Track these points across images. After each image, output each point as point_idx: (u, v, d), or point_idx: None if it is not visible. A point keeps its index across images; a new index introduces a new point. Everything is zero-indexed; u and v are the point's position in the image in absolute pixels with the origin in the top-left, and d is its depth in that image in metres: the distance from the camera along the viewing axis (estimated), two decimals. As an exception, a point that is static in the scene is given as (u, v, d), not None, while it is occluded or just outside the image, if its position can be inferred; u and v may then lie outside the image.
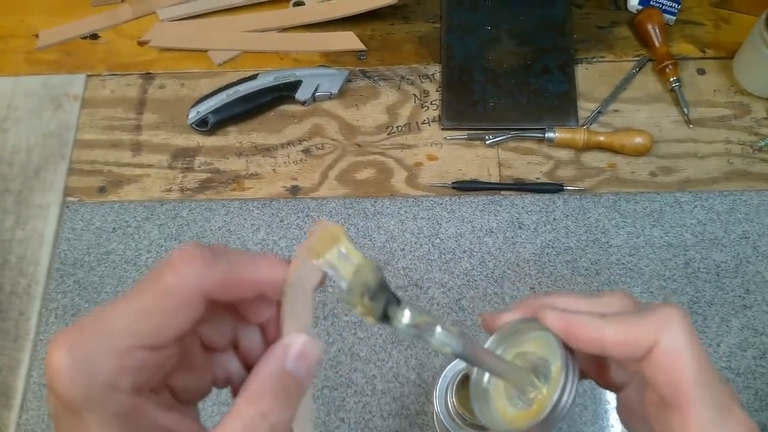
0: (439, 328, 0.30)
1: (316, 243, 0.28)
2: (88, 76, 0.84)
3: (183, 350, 0.28)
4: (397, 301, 0.29)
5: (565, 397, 0.30)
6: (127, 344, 0.25)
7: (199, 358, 0.29)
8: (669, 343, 0.28)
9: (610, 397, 0.65)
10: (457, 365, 0.57)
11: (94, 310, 0.25)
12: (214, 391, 0.32)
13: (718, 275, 0.69)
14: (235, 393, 0.31)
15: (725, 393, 0.28)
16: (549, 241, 0.72)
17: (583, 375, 0.34)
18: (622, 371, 0.33)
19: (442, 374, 0.57)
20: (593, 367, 0.34)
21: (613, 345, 0.29)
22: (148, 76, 0.83)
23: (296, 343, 0.27)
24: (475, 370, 0.34)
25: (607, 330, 0.30)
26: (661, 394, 0.29)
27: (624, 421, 0.34)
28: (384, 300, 0.28)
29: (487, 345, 0.34)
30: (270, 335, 0.30)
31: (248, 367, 0.31)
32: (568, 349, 0.31)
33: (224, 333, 0.30)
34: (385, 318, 0.29)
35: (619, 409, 0.34)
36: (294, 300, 0.28)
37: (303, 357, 0.27)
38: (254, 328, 0.31)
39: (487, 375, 0.35)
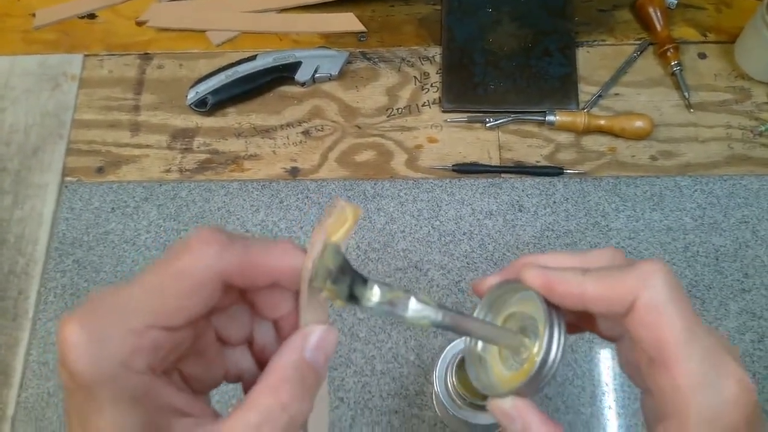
0: (413, 301, 0.29)
1: (329, 228, 0.28)
2: (86, 56, 0.83)
3: (197, 337, 0.28)
4: (363, 280, 0.28)
5: (552, 353, 0.29)
6: (142, 323, 0.25)
7: (212, 348, 0.29)
8: (650, 299, 0.27)
9: (608, 379, 0.65)
10: (457, 346, 0.57)
11: (109, 288, 0.25)
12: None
13: (717, 259, 0.70)
14: (246, 389, 0.31)
15: (715, 346, 0.27)
16: (549, 224, 0.72)
17: (578, 328, 0.34)
18: (611, 325, 0.33)
19: (442, 355, 0.57)
20: (582, 321, 0.34)
21: (593, 300, 0.29)
22: (146, 57, 0.83)
23: (315, 332, 0.27)
24: (467, 339, 0.34)
25: (587, 285, 0.29)
26: (646, 350, 0.28)
27: (627, 373, 0.34)
28: (348, 281, 0.28)
29: (476, 312, 0.34)
30: (284, 332, 0.30)
31: (260, 364, 0.31)
32: (553, 305, 0.30)
33: (240, 327, 0.30)
34: (353, 299, 0.28)
35: (618, 360, 0.34)
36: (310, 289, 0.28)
37: (321, 346, 0.27)
38: (269, 325, 0.31)
39: (480, 342, 0.34)
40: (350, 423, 0.64)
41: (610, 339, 0.34)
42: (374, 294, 0.28)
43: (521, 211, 0.73)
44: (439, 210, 0.73)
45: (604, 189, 0.73)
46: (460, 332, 0.31)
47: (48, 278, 0.71)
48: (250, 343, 0.31)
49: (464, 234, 0.72)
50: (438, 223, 0.72)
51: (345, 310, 0.68)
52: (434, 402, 0.64)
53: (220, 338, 0.30)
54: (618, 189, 0.73)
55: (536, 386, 0.30)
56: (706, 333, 0.27)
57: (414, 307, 0.29)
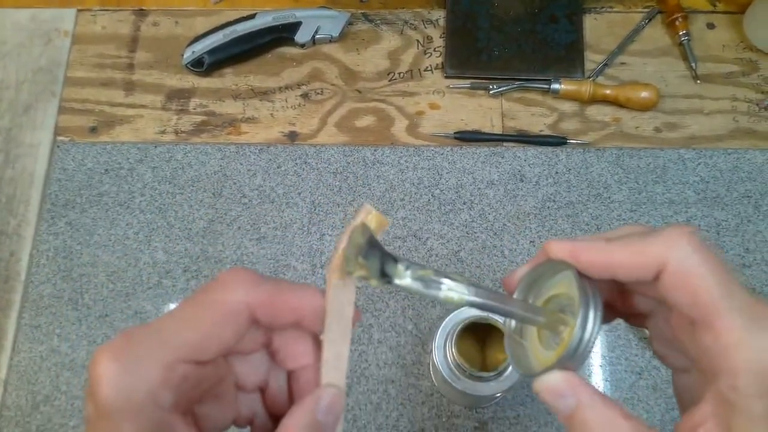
0: (446, 279, 0.29)
1: (340, 260, 0.29)
2: (79, 10, 0.80)
3: (217, 379, 0.29)
4: (393, 259, 0.28)
5: (588, 326, 0.28)
6: (173, 357, 0.26)
7: (230, 392, 0.30)
8: (679, 262, 0.27)
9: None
10: (457, 316, 0.56)
11: (143, 324, 0.27)
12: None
13: (718, 233, 0.69)
14: None
15: (753, 299, 0.27)
16: (550, 194, 0.71)
17: (613, 313, 0.34)
18: (645, 299, 0.32)
19: (441, 325, 0.56)
20: (618, 299, 0.33)
21: (621, 267, 0.29)
22: (140, 13, 0.80)
23: (326, 395, 0.29)
24: (507, 321, 0.33)
25: (613, 252, 0.29)
26: (686, 315, 0.28)
27: (659, 355, 0.33)
28: (378, 257, 0.28)
29: (515, 296, 0.33)
30: (298, 383, 0.31)
31: (270, 411, 0.32)
32: (586, 280, 0.30)
33: (258, 373, 0.31)
34: (385, 276, 0.28)
35: (652, 344, 0.34)
36: (334, 337, 0.29)
37: (332, 409, 0.29)
38: (284, 375, 0.31)
39: (514, 323, 0.33)
40: (347, 392, 0.64)
41: (641, 320, 0.34)
42: (404, 272, 0.28)
43: (523, 181, 0.72)
44: (440, 178, 0.72)
45: (607, 160, 0.72)
46: (496, 312, 0.30)
47: (40, 240, 0.70)
48: (262, 390, 0.32)
49: (464, 203, 0.71)
50: (438, 191, 0.71)
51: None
52: (431, 372, 0.64)
53: (236, 383, 0.31)
54: (621, 161, 0.72)
55: (574, 363, 0.29)
56: (742, 289, 0.27)
57: (449, 285, 0.29)
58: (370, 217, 0.29)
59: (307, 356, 0.30)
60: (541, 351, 0.31)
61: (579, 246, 0.30)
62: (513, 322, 0.34)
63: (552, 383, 0.29)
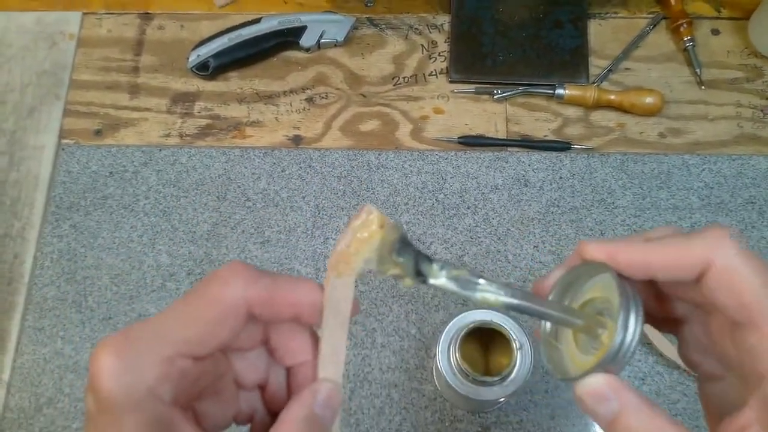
0: (482, 280, 0.28)
1: (355, 231, 0.28)
2: (84, 14, 0.81)
3: (218, 376, 0.29)
4: (427, 258, 0.28)
5: (630, 330, 0.27)
6: (171, 351, 0.26)
7: (230, 389, 0.30)
8: (724, 262, 0.27)
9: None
10: (461, 321, 0.56)
11: (142, 320, 0.27)
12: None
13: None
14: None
15: None
16: (554, 199, 0.71)
17: (646, 319, 0.33)
18: (682, 303, 0.32)
19: (445, 329, 0.56)
20: (654, 303, 0.33)
21: (660, 267, 0.28)
22: (146, 16, 0.80)
23: (323, 389, 0.29)
24: (543, 323, 0.33)
25: (653, 251, 0.28)
26: (730, 316, 0.27)
27: (690, 362, 0.33)
28: (413, 256, 0.28)
29: (550, 298, 0.32)
30: (297, 380, 0.31)
31: (269, 408, 0.32)
32: (626, 281, 0.29)
33: (257, 371, 0.31)
34: (420, 275, 0.28)
35: (683, 351, 0.33)
36: (330, 335, 0.29)
37: (329, 403, 0.28)
38: (283, 372, 0.32)
39: (549, 325, 0.33)
40: (349, 395, 0.64)
41: (676, 326, 0.33)
42: (440, 271, 0.28)
43: (527, 186, 0.72)
44: (444, 183, 0.72)
45: (612, 165, 0.72)
46: (532, 314, 0.30)
47: (44, 243, 0.70)
48: (262, 387, 0.32)
49: (468, 208, 0.71)
50: (442, 195, 0.71)
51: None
52: (434, 376, 0.64)
53: (236, 380, 0.31)
54: (625, 166, 0.72)
55: (615, 366, 0.28)
56: None
57: (484, 286, 0.28)
58: (371, 217, 0.29)
59: (305, 353, 0.30)
60: (578, 355, 0.31)
61: (616, 246, 0.29)
62: (548, 326, 0.33)
63: (594, 386, 0.28)
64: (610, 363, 0.28)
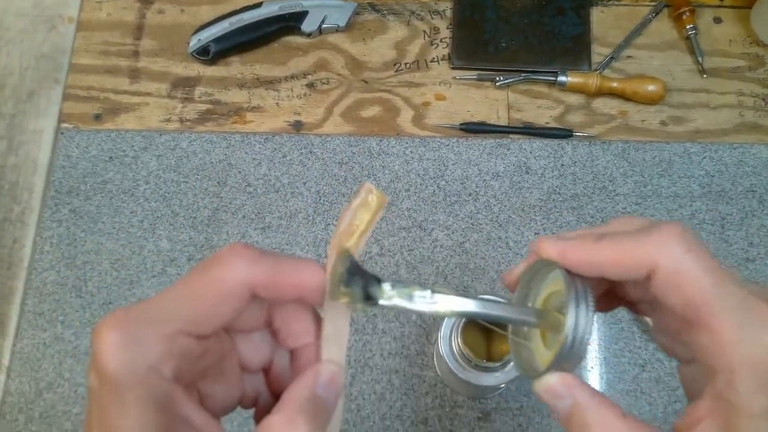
0: (432, 293, 0.29)
1: (356, 211, 0.29)
2: (83, -3, 0.80)
3: (222, 358, 0.29)
4: (376, 280, 0.28)
5: (578, 325, 0.28)
6: (173, 329, 0.26)
7: (234, 371, 0.30)
8: (670, 264, 0.27)
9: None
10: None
11: (144, 299, 0.27)
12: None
13: (723, 227, 0.69)
14: (257, 415, 0.33)
15: (749, 296, 0.26)
16: (556, 187, 0.71)
17: (614, 302, 0.34)
18: (642, 291, 0.32)
19: (447, 316, 0.56)
20: (616, 289, 0.33)
21: (608, 266, 0.28)
22: (146, 0, 0.80)
23: (326, 370, 0.29)
24: (510, 326, 0.33)
25: (601, 251, 0.28)
26: (679, 315, 0.27)
27: (662, 345, 0.33)
28: (360, 283, 0.28)
29: (515, 298, 0.33)
30: (300, 362, 0.31)
31: (273, 391, 0.32)
32: (577, 277, 0.29)
33: (261, 353, 0.31)
34: (370, 299, 0.28)
35: (654, 334, 0.34)
36: (333, 317, 0.29)
37: (332, 384, 0.29)
38: (287, 354, 0.32)
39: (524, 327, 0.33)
40: (350, 381, 0.64)
41: (643, 312, 0.33)
42: (389, 291, 0.28)
43: (528, 173, 0.72)
44: (445, 169, 0.72)
45: (613, 153, 0.72)
46: (486, 319, 0.30)
47: (44, 227, 0.70)
48: (266, 371, 0.32)
49: (470, 195, 0.71)
50: (443, 182, 0.71)
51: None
52: (435, 362, 0.64)
53: (240, 362, 0.31)
54: (627, 154, 0.72)
55: (570, 362, 0.28)
56: (738, 285, 0.27)
57: (435, 299, 0.29)
58: (371, 196, 0.29)
59: (309, 335, 0.30)
60: (543, 351, 0.31)
61: (566, 245, 0.29)
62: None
63: (549, 384, 0.29)
64: (566, 360, 0.28)
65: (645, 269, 0.27)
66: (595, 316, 0.29)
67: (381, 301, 0.28)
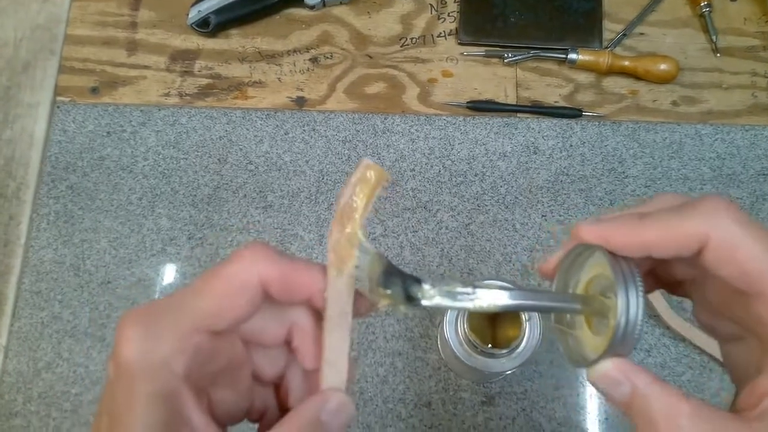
0: (475, 289, 0.28)
1: (355, 188, 0.29)
2: (78, -36, 0.77)
3: (233, 360, 0.29)
4: (416, 280, 0.28)
5: (630, 308, 0.27)
6: (189, 324, 0.26)
7: (246, 381, 0.30)
8: (722, 236, 0.26)
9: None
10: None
11: (167, 295, 0.28)
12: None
13: None
14: (262, 430, 0.33)
15: None
16: (564, 168, 0.69)
17: (655, 284, 0.33)
18: (688, 269, 0.31)
19: (453, 300, 0.55)
20: (659, 269, 0.32)
21: (656, 245, 0.28)
22: (143, -31, 0.77)
23: (333, 399, 0.28)
24: (552, 316, 0.32)
25: (645, 230, 0.28)
26: (734, 287, 0.27)
27: (705, 325, 0.33)
28: (400, 283, 0.28)
29: (554, 285, 0.32)
30: (314, 383, 0.30)
31: (282, 407, 0.32)
32: (622, 259, 0.29)
33: (275, 365, 0.31)
34: (411, 300, 0.28)
35: (697, 314, 0.33)
36: (333, 333, 0.29)
37: (337, 413, 0.28)
38: (299, 371, 0.31)
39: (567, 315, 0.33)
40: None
41: (684, 293, 0.33)
42: (430, 291, 0.28)
43: (536, 154, 0.70)
44: (451, 149, 0.70)
45: (623, 134, 0.71)
46: (530, 310, 0.29)
47: (40, 204, 0.68)
48: (277, 386, 0.32)
49: (476, 175, 0.69)
50: (449, 162, 0.70)
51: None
52: (439, 345, 0.63)
53: (253, 373, 0.31)
54: (637, 135, 0.71)
55: (625, 347, 0.27)
56: None
57: (478, 294, 0.28)
58: (369, 172, 0.29)
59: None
60: (591, 337, 0.30)
61: (609, 228, 0.29)
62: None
63: (604, 372, 0.28)
64: (619, 344, 0.27)
65: (695, 244, 0.27)
66: (646, 301, 0.28)
67: (423, 302, 0.28)
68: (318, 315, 0.30)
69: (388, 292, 0.28)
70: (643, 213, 0.29)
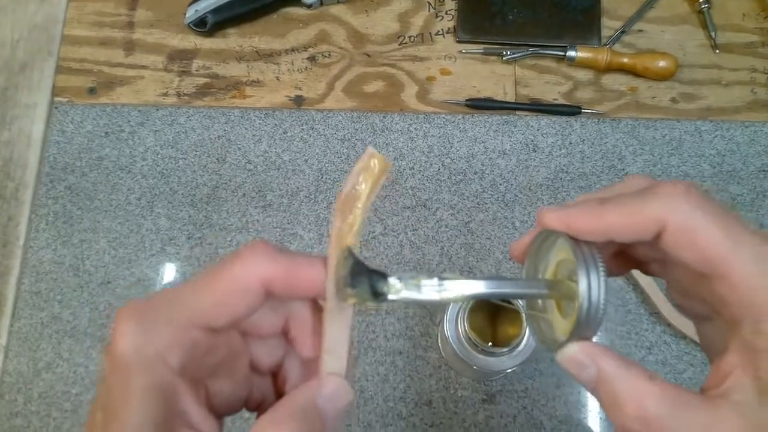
0: (441, 280, 0.28)
1: (359, 175, 0.29)
2: (75, -36, 0.77)
3: (230, 353, 0.29)
4: (382, 276, 0.28)
5: (592, 291, 0.27)
6: (186, 319, 0.26)
7: (244, 369, 0.30)
8: (679, 220, 0.26)
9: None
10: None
11: (164, 289, 0.28)
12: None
13: (733, 208, 0.68)
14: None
15: (764, 239, 0.26)
16: (563, 165, 0.69)
17: (626, 265, 0.33)
18: (652, 251, 0.32)
19: (453, 299, 0.55)
20: (625, 251, 0.32)
21: (616, 230, 0.28)
22: (141, -32, 0.77)
23: (331, 383, 0.28)
24: (519, 302, 0.33)
25: (606, 215, 0.28)
26: (695, 271, 0.27)
27: (678, 304, 0.33)
28: (366, 281, 0.28)
29: (524, 271, 0.32)
30: (311, 371, 0.30)
31: (279, 395, 0.32)
32: (585, 243, 0.29)
33: (273, 355, 0.31)
34: (378, 296, 0.28)
35: (670, 293, 0.33)
36: (333, 322, 0.29)
37: (334, 398, 0.28)
38: (297, 360, 0.31)
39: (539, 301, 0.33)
40: (353, 363, 0.63)
41: (656, 273, 0.33)
42: (397, 285, 0.28)
43: (535, 151, 0.70)
44: (451, 147, 0.70)
45: (623, 131, 0.71)
46: (498, 297, 0.30)
47: (39, 204, 0.68)
48: (275, 374, 0.32)
49: (475, 173, 0.69)
50: (449, 160, 0.70)
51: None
52: (440, 344, 0.63)
53: (251, 362, 0.31)
54: (636, 132, 0.70)
55: (590, 330, 0.28)
56: (750, 233, 0.26)
57: (445, 286, 0.28)
58: (374, 161, 0.29)
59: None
60: (561, 321, 0.31)
61: (570, 213, 0.29)
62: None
63: (570, 355, 0.28)
64: (584, 327, 0.28)
65: (653, 229, 0.27)
66: (607, 283, 0.28)
67: (390, 296, 0.28)
68: (315, 304, 0.30)
69: (356, 290, 0.28)
70: (604, 198, 0.29)
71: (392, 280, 0.28)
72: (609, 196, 0.29)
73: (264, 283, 0.27)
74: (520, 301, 0.52)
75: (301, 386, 0.28)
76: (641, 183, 0.30)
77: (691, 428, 0.25)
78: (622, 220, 0.27)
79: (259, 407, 0.32)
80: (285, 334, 0.31)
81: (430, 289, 0.28)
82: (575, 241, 0.29)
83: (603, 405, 0.27)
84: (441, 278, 0.28)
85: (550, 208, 0.30)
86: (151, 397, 0.25)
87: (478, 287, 0.29)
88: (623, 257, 0.33)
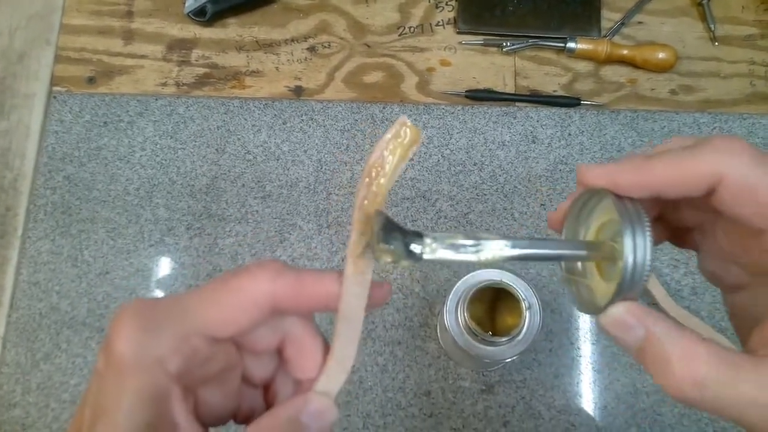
0: (478, 240, 0.27)
1: (388, 144, 0.28)
2: (73, -47, 0.76)
3: (226, 366, 0.29)
4: (417, 234, 0.27)
5: (636, 251, 0.26)
6: (190, 328, 0.26)
7: (235, 380, 0.30)
8: (738, 173, 0.25)
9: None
10: (469, 280, 0.55)
11: (170, 295, 0.28)
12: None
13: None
14: None
15: None
16: (563, 156, 0.69)
17: (660, 235, 0.32)
18: (696, 213, 0.31)
19: (453, 289, 0.55)
20: (667, 213, 0.32)
21: (665, 183, 0.27)
22: (139, -42, 0.76)
23: (315, 402, 0.28)
24: (562, 264, 0.32)
25: (654, 169, 0.27)
26: (751, 225, 0.26)
27: (711, 274, 0.32)
28: (401, 238, 0.27)
29: (564, 234, 0.31)
30: (303, 390, 0.30)
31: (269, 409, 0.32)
32: (629, 201, 0.28)
33: (266, 369, 0.31)
34: (413, 255, 0.27)
35: (703, 264, 0.32)
36: (346, 327, 0.29)
37: (318, 416, 0.28)
38: (290, 377, 0.31)
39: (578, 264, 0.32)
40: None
41: (689, 244, 0.32)
42: (432, 244, 0.27)
43: (535, 143, 0.70)
44: (450, 138, 0.70)
45: (622, 123, 0.71)
46: (537, 259, 0.28)
47: (37, 195, 0.68)
48: (266, 388, 0.32)
49: (475, 164, 0.69)
50: (448, 151, 0.70)
51: (349, 239, 0.66)
52: (439, 334, 0.63)
53: (243, 374, 0.31)
54: (635, 123, 0.71)
55: (634, 291, 0.26)
56: None
57: (483, 245, 0.27)
58: (405, 129, 0.28)
59: (317, 370, 0.30)
60: (602, 284, 0.29)
61: (615, 170, 0.28)
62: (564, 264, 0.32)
63: (616, 317, 0.27)
64: (629, 287, 0.26)
65: (707, 183, 0.26)
66: (653, 243, 0.27)
67: (426, 256, 0.27)
68: (313, 327, 0.30)
69: (391, 247, 0.27)
70: (650, 154, 0.28)
71: (428, 240, 0.27)
72: (655, 152, 0.28)
73: (271, 299, 0.27)
74: (522, 290, 0.52)
75: (287, 401, 0.28)
76: (687, 141, 0.28)
77: (747, 388, 0.24)
78: (673, 173, 0.26)
79: (247, 420, 0.32)
80: (279, 352, 0.31)
81: (466, 250, 0.27)
82: (620, 198, 0.27)
83: (650, 368, 0.26)
84: (478, 238, 0.27)
85: (593, 165, 0.29)
86: (143, 401, 0.25)
87: (516, 247, 0.28)
88: (661, 224, 0.32)
